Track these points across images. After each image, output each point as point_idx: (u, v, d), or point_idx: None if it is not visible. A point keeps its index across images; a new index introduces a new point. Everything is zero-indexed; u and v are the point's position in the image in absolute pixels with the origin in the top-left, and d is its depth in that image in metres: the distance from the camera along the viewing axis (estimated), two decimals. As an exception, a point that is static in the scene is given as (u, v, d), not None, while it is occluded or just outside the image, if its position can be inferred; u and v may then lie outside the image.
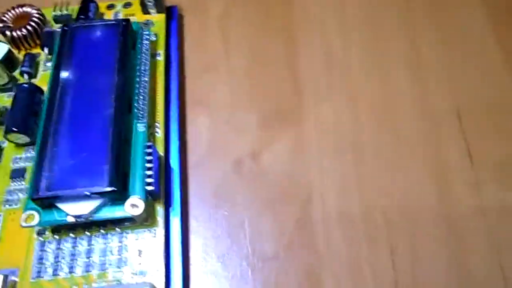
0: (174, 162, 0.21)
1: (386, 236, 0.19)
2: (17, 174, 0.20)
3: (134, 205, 0.18)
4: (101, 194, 0.18)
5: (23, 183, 0.20)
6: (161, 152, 0.20)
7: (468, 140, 0.21)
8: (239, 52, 0.24)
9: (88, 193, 0.18)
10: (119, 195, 0.18)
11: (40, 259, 0.18)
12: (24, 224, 0.18)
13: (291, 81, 0.23)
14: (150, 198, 0.19)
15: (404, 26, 0.25)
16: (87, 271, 0.18)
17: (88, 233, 0.19)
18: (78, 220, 0.18)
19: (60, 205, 0.18)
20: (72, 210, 0.18)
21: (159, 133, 0.21)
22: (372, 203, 0.20)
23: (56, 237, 0.19)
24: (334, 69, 0.24)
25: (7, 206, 0.20)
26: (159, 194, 0.19)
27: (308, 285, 0.19)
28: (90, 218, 0.18)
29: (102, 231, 0.19)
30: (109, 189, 0.18)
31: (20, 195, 0.20)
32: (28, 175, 0.20)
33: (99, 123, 0.19)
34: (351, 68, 0.24)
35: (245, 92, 0.23)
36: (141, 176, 0.19)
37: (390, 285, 0.19)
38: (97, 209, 0.18)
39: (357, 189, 0.20)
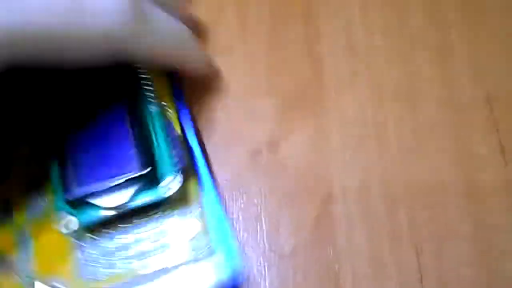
0: (193, 141, 0.19)
1: (410, 234, 0.19)
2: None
3: (167, 187, 0.17)
4: (135, 180, 0.17)
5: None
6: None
7: (500, 133, 0.20)
8: (256, 37, 0.23)
9: (121, 181, 0.17)
10: (152, 178, 0.17)
11: (80, 261, 0.17)
12: (64, 230, 0.17)
13: (311, 68, 0.22)
14: (181, 177, 0.18)
15: (430, 10, 0.23)
16: (130, 263, 0.17)
17: (122, 226, 0.18)
18: (115, 212, 0.17)
19: (94, 201, 0.17)
20: (108, 202, 0.17)
21: (171, 113, 0.19)
22: (396, 199, 0.19)
23: (91, 235, 0.18)
24: (357, 56, 0.22)
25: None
26: (188, 173, 0.18)
27: (327, 283, 0.18)
28: (128, 207, 0.17)
29: (136, 220, 0.18)
30: (141, 172, 0.17)
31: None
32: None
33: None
34: (375, 55, 0.22)
35: (262, 78, 0.22)
36: (167, 156, 0.18)
37: (415, 284, 0.18)
38: (133, 196, 0.17)
39: (380, 184, 0.19)
